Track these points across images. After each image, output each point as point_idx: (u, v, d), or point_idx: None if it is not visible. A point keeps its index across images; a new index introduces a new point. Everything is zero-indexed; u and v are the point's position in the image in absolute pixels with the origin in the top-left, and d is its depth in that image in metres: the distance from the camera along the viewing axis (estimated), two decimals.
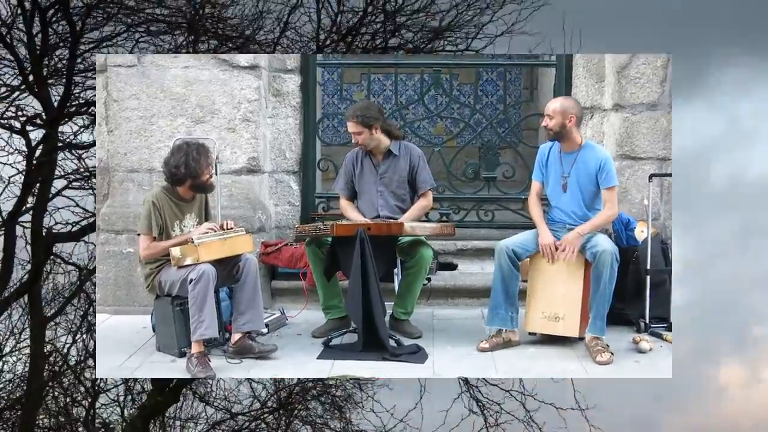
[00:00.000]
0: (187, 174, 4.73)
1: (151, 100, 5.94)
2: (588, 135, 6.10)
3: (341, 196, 5.35)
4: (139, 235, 4.80)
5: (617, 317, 5.05)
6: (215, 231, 4.76)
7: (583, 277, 4.86)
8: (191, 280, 4.58)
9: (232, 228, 4.84)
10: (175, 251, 4.64)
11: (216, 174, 5.28)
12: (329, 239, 4.99)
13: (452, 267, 6.10)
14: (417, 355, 4.77)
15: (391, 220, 5.08)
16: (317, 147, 6.46)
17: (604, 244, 4.78)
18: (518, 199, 6.35)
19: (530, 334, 5.00)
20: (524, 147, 6.96)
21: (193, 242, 4.65)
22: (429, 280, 5.66)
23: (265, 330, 5.14)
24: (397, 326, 5.13)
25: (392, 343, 4.88)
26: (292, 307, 5.77)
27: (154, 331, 5.05)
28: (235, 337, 4.80)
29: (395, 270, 5.25)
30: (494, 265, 4.94)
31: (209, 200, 5.04)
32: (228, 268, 4.82)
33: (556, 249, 4.86)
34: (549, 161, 5.01)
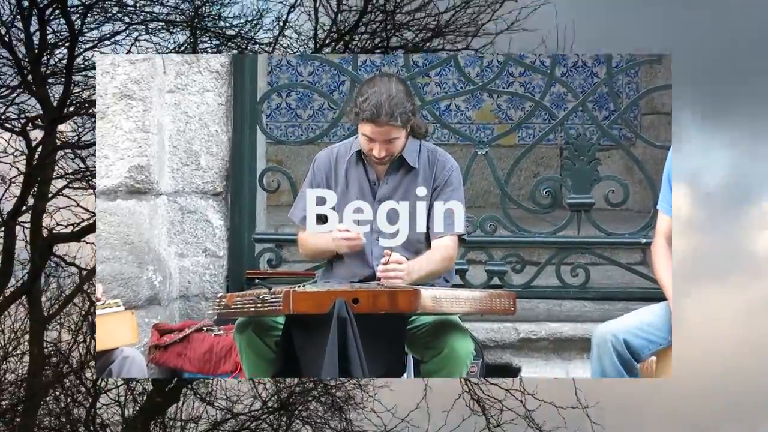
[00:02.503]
0: None
1: None
2: None
3: (302, 228, 5.29)
4: None
5: None
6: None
7: None
8: None
9: (99, 300, 4.95)
10: None
11: None
12: (280, 320, 4.99)
13: (512, 372, 6.17)
14: None
15: (398, 286, 5.06)
16: (258, 147, 6.53)
17: None
18: (634, 244, 6.43)
19: None
20: (645, 148, 7.00)
21: None
22: None
23: None
24: None
25: None
26: None
27: None
28: None
29: (404, 376, 5.25)
30: (591, 368, 4.98)
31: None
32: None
33: None
34: None
